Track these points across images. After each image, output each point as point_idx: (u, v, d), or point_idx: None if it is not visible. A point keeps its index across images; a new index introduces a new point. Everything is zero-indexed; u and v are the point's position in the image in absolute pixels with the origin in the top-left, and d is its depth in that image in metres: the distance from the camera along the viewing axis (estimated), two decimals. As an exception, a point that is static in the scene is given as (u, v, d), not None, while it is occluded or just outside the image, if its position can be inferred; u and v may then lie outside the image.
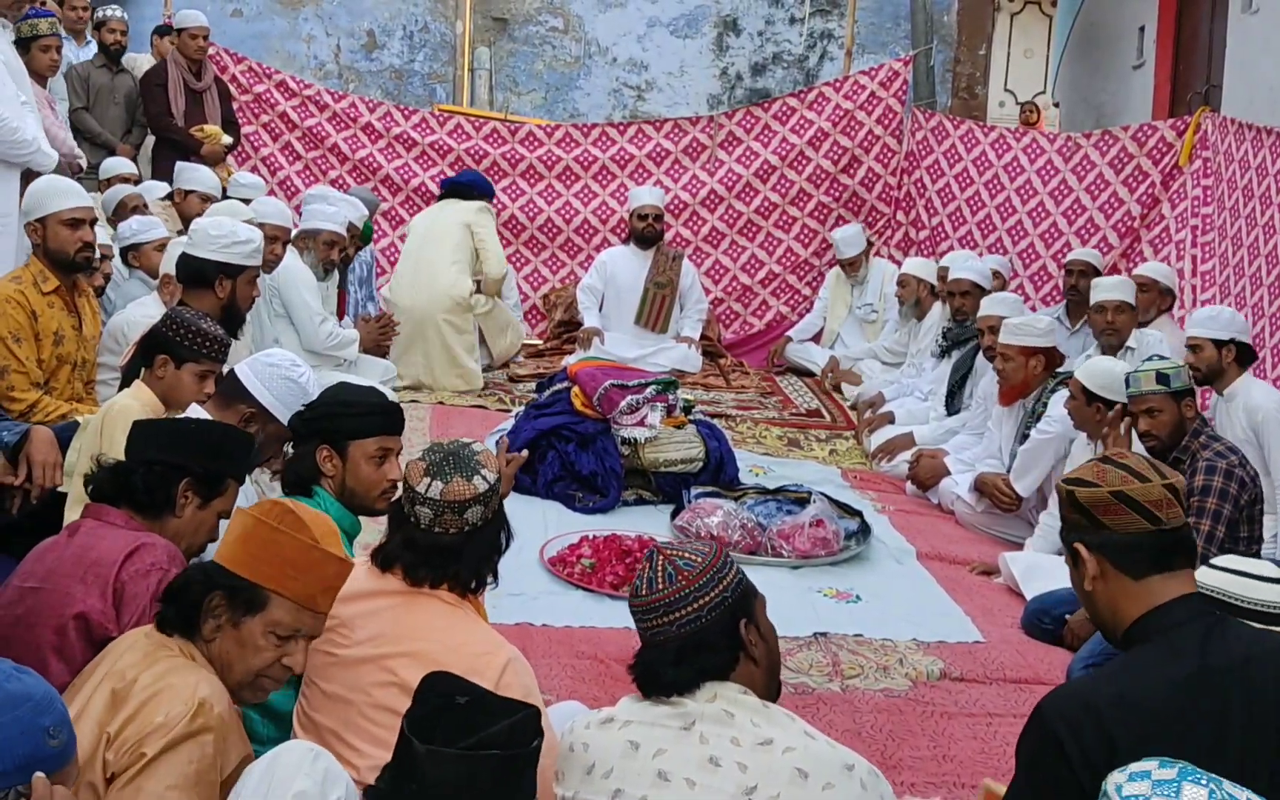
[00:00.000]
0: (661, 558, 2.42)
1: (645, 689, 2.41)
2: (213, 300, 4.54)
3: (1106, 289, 6.22)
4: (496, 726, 1.95)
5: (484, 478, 2.75)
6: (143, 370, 3.87)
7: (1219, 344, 5.34)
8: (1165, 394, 4.51)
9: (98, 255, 5.13)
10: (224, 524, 3.01)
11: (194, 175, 7.10)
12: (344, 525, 3.22)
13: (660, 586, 2.38)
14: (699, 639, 2.35)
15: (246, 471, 3.08)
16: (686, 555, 2.42)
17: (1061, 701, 2.14)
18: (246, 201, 6.50)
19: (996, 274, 7.67)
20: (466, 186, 8.25)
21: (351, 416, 3.24)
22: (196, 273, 4.57)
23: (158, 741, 2.20)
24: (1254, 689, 2.10)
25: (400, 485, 2.81)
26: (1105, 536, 2.24)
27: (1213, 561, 2.81)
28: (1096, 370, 5.05)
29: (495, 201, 9.40)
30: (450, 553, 2.72)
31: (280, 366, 3.63)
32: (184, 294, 4.52)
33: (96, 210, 6.85)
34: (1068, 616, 4.55)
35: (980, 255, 8.64)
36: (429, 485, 2.71)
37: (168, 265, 5.08)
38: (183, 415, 3.49)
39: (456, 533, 2.71)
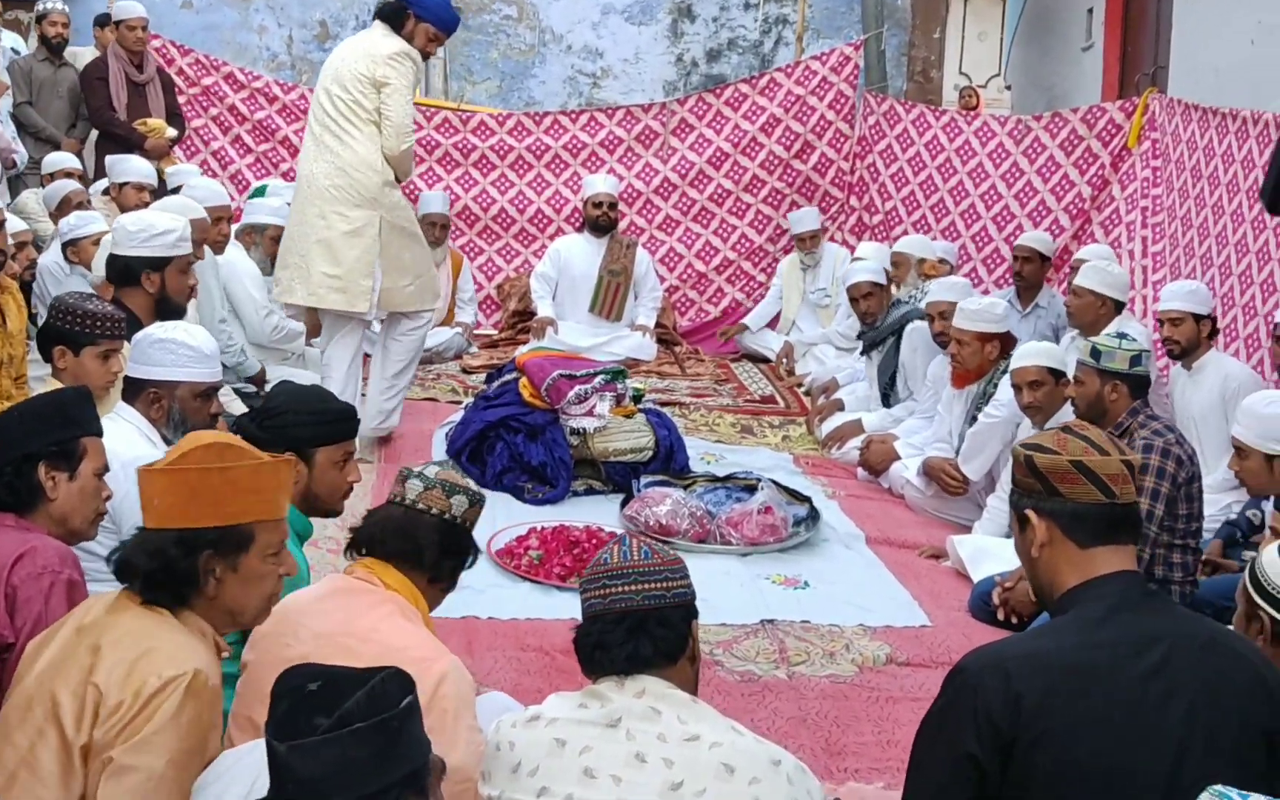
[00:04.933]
0: (636, 541, 2.49)
1: (590, 665, 2.42)
2: (144, 296, 4.49)
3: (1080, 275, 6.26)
4: (352, 699, 1.87)
5: (474, 484, 2.97)
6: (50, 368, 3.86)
7: (1198, 318, 5.46)
8: (1091, 369, 4.54)
9: (13, 245, 5.08)
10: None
11: (125, 166, 7.02)
12: (297, 528, 3.25)
13: (635, 557, 2.43)
14: (661, 616, 2.38)
15: (95, 422, 2.99)
16: (659, 545, 2.58)
17: (977, 659, 2.22)
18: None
19: (943, 260, 7.67)
20: (396, 10, 6.01)
21: (319, 425, 3.31)
22: (123, 271, 4.53)
23: (154, 709, 2.22)
24: (1176, 664, 2.13)
25: (415, 482, 2.93)
26: (1058, 504, 2.27)
27: None
28: (1041, 350, 5.10)
29: (447, 190, 9.36)
30: (426, 532, 2.85)
31: (148, 337, 3.65)
32: (117, 292, 4.47)
33: (35, 204, 6.80)
34: (999, 582, 4.56)
35: (933, 239, 8.67)
36: (425, 465, 2.92)
37: (98, 265, 5.03)
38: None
39: (438, 515, 2.86)
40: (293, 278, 5.95)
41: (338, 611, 2.70)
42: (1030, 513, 2.31)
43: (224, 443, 2.49)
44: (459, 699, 2.62)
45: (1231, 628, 2.47)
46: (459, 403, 7.13)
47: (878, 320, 6.95)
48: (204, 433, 2.59)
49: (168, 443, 3.60)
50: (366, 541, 2.91)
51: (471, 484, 2.98)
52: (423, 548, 2.86)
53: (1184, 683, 2.11)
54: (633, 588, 2.40)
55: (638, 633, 2.37)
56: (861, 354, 7.19)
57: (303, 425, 3.29)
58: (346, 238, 5.85)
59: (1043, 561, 2.30)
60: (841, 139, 9.60)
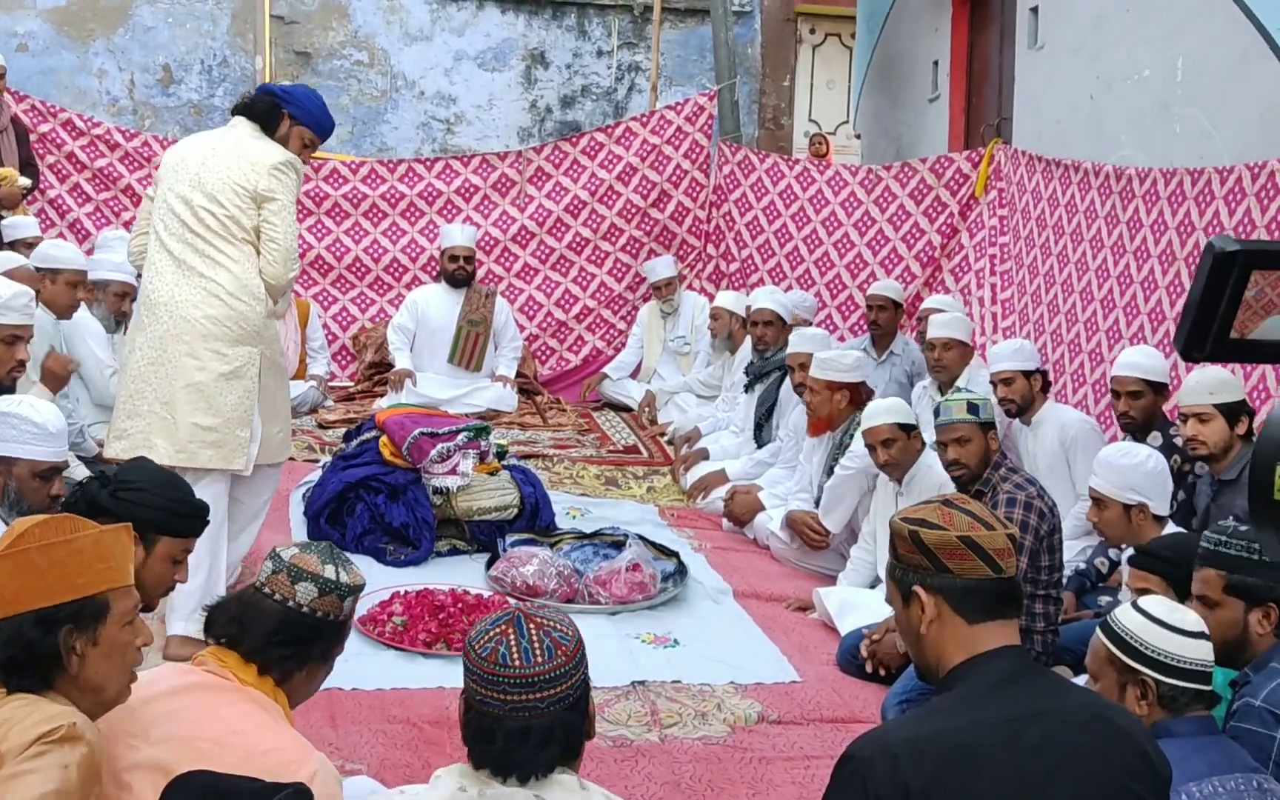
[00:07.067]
0: (533, 627, 2.25)
1: (496, 772, 2.23)
2: None
3: (936, 327, 6.37)
4: None
5: (337, 573, 2.77)
6: None
7: (1028, 374, 5.58)
8: (974, 424, 4.60)
9: None
10: None
11: None
12: None
13: (539, 659, 2.22)
14: (567, 720, 2.24)
15: None
16: (557, 627, 2.28)
17: (865, 745, 2.17)
18: (32, 246, 6.15)
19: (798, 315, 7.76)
20: (269, 109, 4.87)
21: (171, 514, 3.15)
22: None
23: (23, 756, 2.15)
24: (1060, 741, 2.13)
25: (270, 563, 2.76)
26: (947, 580, 2.25)
27: (1141, 605, 2.73)
28: (889, 408, 5.16)
29: (299, 239, 9.14)
30: (258, 615, 2.69)
31: None
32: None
33: None
34: (866, 634, 4.59)
35: (789, 288, 8.77)
36: (301, 546, 2.77)
37: None
38: None
39: (280, 602, 2.70)
40: (149, 429, 4.61)
41: (192, 710, 2.54)
42: (919, 589, 2.28)
43: (56, 519, 2.44)
44: (330, 798, 2.52)
45: (1104, 698, 2.49)
46: (316, 461, 6.93)
47: (771, 350, 7.01)
48: (27, 519, 2.47)
49: (4, 522, 3.40)
50: (209, 625, 2.76)
51: (330, 573, 2.74)
52: (245, 630, 2.68)
53: (1069, 759, 2.12)
54: (538, 696, 2.21)
55: (547, 742, 2.22)
56: (746, 389, 7.24)
57: (156, 508, 3.12)
58: (224, 381, 4.66)
59: (930, 638, 2.28)
60: (697, 188, 9.68)
